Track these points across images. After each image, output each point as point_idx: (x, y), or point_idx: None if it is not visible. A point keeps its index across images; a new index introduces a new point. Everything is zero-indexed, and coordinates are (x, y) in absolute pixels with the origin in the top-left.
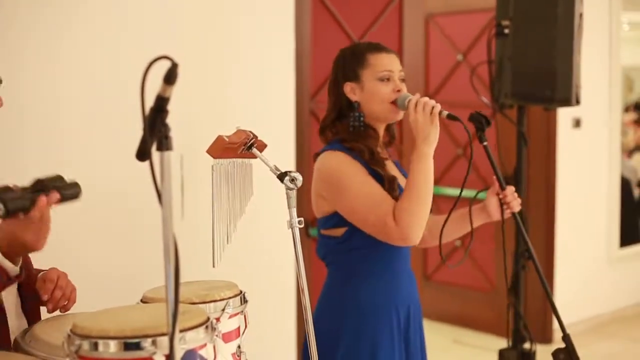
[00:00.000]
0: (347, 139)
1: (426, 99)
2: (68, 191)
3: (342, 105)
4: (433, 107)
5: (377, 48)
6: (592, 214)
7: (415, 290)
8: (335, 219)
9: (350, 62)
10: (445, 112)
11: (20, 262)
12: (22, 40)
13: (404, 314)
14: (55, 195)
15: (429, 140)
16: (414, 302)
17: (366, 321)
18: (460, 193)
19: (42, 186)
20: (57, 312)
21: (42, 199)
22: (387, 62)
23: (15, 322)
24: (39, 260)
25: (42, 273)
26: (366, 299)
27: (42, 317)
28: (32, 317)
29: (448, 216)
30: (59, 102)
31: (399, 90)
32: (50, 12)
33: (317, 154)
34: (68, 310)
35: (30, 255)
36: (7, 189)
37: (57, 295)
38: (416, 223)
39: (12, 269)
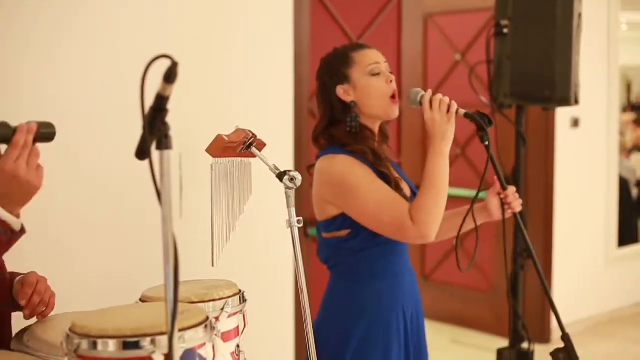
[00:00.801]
0: (346, 143)
1: (440, 96)
2: (44, 128)
3: (335, 110)
4: (449, 106)
5: (358, 46)
6: (590, 214)
7: (417, 288)
8: (339, 221)
9: (337, 65)
10: (463, 111)
11: (21, 215)
12: (22, 40)
13: (409, 314)
14: (33, 124)
15: (447, 138)
16: (418, 301)
17: (375, 324)
18: (477, 194)
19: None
20: (34, 319)
21: (22, 124)
22: (373, 56)
23: None
24: (39, 258)
25: (20, 277)
26: (372, 301)
27: (13, 324)
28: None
29: (465, 218)
30: (59, 102)
31: (391, 81)
32: (50, 12)
33: (311, 166)
34: (46, 316)
35: (28, 255)
36: None
37: (35, 301)
38: (433, 221)
39: (15, 222)
